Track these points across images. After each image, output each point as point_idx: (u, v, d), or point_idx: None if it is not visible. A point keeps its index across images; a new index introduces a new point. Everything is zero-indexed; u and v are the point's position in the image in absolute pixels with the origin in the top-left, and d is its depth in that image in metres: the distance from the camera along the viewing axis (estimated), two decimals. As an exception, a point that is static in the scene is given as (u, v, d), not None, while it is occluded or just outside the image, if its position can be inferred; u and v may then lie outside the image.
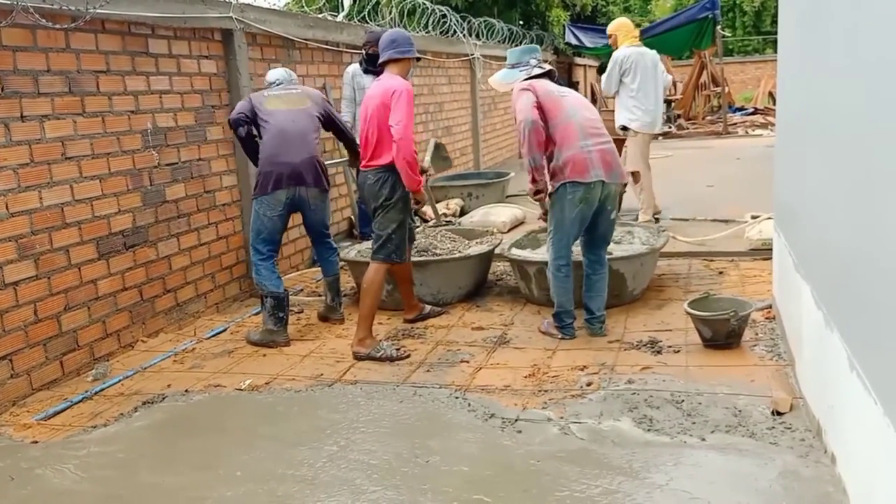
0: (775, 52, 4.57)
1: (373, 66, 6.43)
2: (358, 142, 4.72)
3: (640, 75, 6.67)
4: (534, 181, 4.19)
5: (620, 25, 7.07)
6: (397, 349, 4.26)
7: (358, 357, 4.22)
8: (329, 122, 4.92)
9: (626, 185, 4.49)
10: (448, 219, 7.30)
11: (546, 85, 4.28)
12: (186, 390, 3.97)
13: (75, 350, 4.25)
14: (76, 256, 4.26)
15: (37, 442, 3.47)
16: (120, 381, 4.17)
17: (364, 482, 2.87)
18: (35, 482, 3.08)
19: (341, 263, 5.68)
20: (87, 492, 2.99)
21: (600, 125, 4.29)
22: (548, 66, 4.41)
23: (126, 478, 3.08)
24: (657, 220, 6.89)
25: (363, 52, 6.49)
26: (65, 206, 4.18)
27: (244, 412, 3.68)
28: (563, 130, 4.13)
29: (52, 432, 3.56)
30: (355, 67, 6.58)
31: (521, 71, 4.37)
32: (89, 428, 3.58)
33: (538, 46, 4.68)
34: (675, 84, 19.13)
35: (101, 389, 4.06)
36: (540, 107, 4.13)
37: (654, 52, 6.95)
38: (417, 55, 4.45)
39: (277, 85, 4.87)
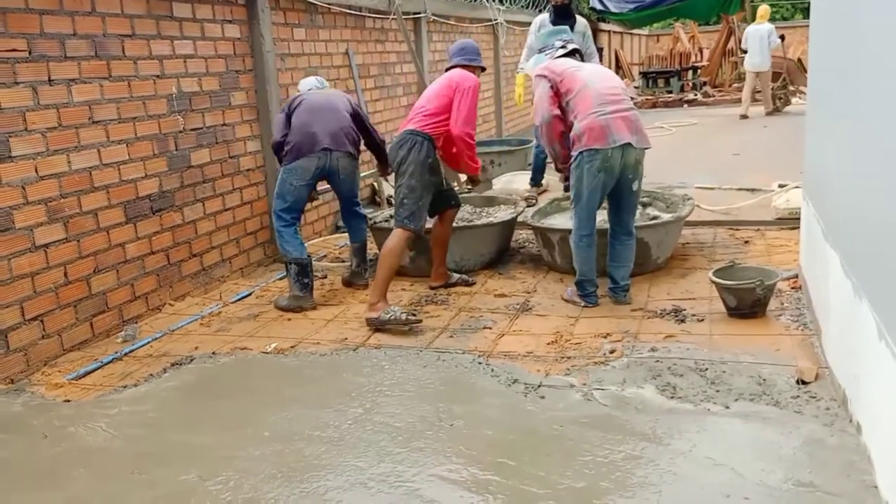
0: (804, 17, 4.47)
1: (561, 19, 6.49)
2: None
3: (750, 41, 12.32)
4: (559, 169, 4.49)
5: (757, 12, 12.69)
6: (409, 314, 4.19)
7: (368, 322, 4.20)
8: (356, 117, 4.89)
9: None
10: (469, 186, 7.26)
11: (564, 62, 4.37)
12: (213, 352, 4.03)
13: (105, 312, 4.33)
14: (104, 220, 4.31)
15: (69, 401, 3.55)
16: (149, 342, 4.24)
17: (389, 444, 2.92)
18: (68, 440, 3.16)
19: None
20: (119, 449, 3.06)
21: (620, 93, 4.27)
22: (572, 46, 4.53)
23: (157, 436, 3.15)
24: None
25: (551, 5, 6.69)
26: (93, 169, 4.23)
27: (270, 374, 3.74)
28: (580, 100, 4.17)
29: (84, 392, 3.65)
30: (544, 18, 6.70)
31: (546, 55, 4.52)
32: (120, 388, 3.66)
33: (566, 27, 4.81)
34: (701, 51, 18.82)
35: (131, 350, 4.14)
36: (557, 86, 4.24)
37: (766, 26, 12.17)
38: (483, 65, 4.73)
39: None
